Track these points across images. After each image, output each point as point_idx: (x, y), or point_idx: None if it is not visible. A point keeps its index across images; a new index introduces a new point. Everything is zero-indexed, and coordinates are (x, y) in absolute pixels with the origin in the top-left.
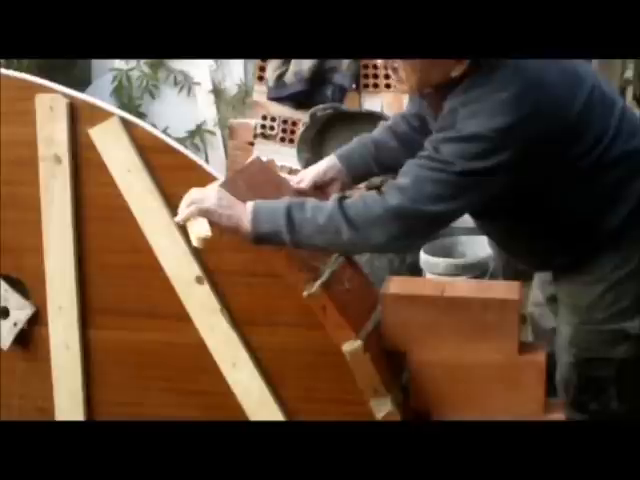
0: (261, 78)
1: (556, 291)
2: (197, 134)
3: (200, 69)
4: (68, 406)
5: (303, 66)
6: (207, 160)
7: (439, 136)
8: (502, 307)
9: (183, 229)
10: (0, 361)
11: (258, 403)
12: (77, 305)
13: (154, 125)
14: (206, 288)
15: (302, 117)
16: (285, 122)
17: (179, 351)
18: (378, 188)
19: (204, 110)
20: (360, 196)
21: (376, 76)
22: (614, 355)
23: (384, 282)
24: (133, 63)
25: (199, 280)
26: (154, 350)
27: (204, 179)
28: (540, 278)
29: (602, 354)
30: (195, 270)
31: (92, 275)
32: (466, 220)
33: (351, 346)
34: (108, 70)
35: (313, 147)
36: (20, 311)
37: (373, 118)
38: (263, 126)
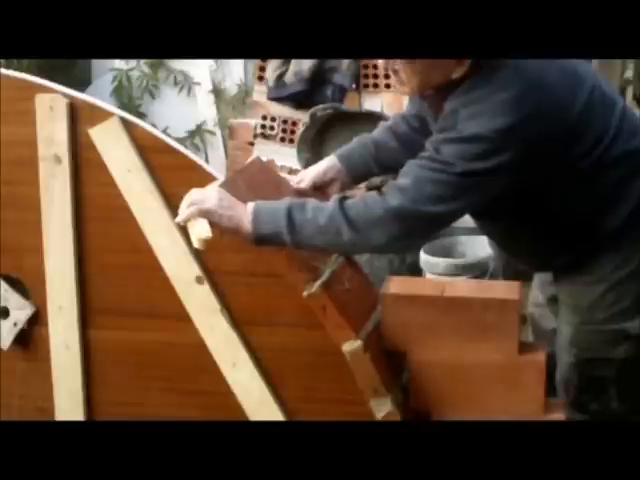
0: (261, 78)
1: (557, 291)
2: (197, 134)
3: (200, 69)
4: (68, 406)
5: (303, 66)
6: (207, 160)
7: (440, 137)
8: (502, 307)
9: (183, 229)
10: (0, 361)
11: (258, 403)
12: (77, 305)
13: (154, 125)
14: (206, 288)
15: (302, 117)
16: (285, 122)
17: (179, 351)
18: (378, 188)
19: (204, 110)
20: (361, 197)
21: (376, 76)
22: (614, 355)
23: (384, 282)
24: (133, 63)
25: (199, 280)
26: (154, 350)
27: (204, 179)
28: (540, 279)
29: (603, 354)
30: (195, 270)
31: (92, 275)
32: (466, 220)
33: (351, 346)
34: (108, 70)
35: (313, 147)
36: (20, 311)
37: (373, 118)
38: (263, 126)
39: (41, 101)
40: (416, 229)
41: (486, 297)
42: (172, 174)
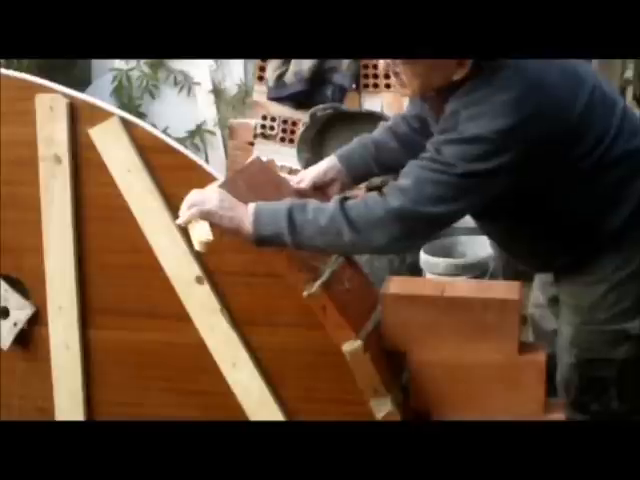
0: (261, 78)
1: (557, 292)
2: (197, 134)
3: (200, 69)
4: (68, 406)
5: (303, 66)
6: (207, 160)
7: (441, 138)
8: (502, 307)
9: (183, 229)
10: (0, 361)
11: (258, 403)
12: (77, 305)
13: (154, 125)
14: (206, 288)
15: (302, 117)
16: (285, 122)
17: (179, 351)
18: (378, 189)
19: (204, 110)
20: (361, 198)
21: (376, 76)
22: (615, 355)
23: (384, 282)
24: (133, 63)
25: (199, 280)
26: (154, 350)
27: (204, 179)
28: (541, 279)
29: (603, 354)
30: (195, 270)
31: (92, 275)
32: (466, 220)
33: (351, 346)
34: (108, 70)
35: (313, 147)
36: (20, 311)
37: (373, 118)
38: (263, 126)
39: (41, 101)
40: (417, 230)
41: (486, 297)
42: (172, 174)
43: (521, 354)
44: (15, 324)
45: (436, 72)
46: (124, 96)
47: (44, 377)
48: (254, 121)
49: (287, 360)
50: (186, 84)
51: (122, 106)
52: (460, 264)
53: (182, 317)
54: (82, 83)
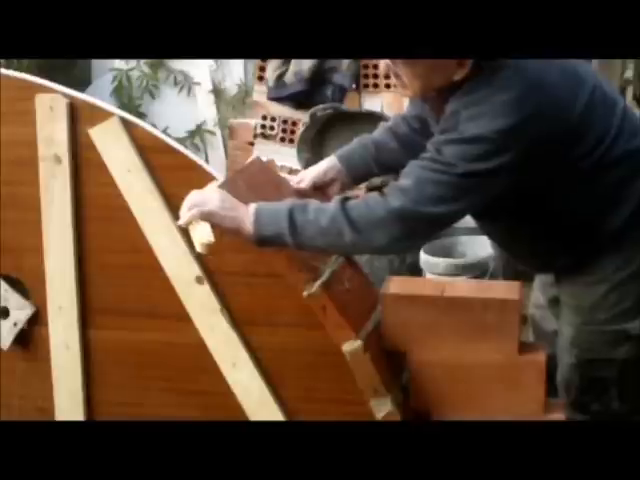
0: (261, 78)
1: (558, 293)
2: (197, 134)
3: (200, 69)
4: (68, 406)
5: (303, 66)
6: (207, 160)
7: (441, 138)
8: (502, 307)
9: (183, 229)
10: (0, 361)
11: (258, 403)
12: (77, 305)
13: (154, 125)
14: (206, 288)
15: (302, 117)
16: (285, 122)
17: (179, 351)
18: (378, 189)
19: (204, 110)
20: (362, 198)
21: (376, 76)
22: (616, 356)
23: (384, 282)
24: (133, 63)
25: (199, 280)
26: (154, 350)
27: (204, 179)
28: (541, 280)
29: (604, 355)
30: (195, 270)
31: (92, 275)
32: (467, 220)
33: (351, 346)
34: (108, 70)
35: (313, 147)
36: (20, 311)
37: (373, 118)
38: (263, 126)
39: (41, 101)
40: (417, 230)
41: (486, 297)
42: (172, 174)
43: (521, 354)
44: (15, 324)
45: (436, 73)
46: (124, 96)
47: (44, 377)
48: (254, 121)
49: (287, 360)
50: (186, 84)
51: (122, 106)
52: (460, 264)
53: (182, 317)
54: (82, 83)
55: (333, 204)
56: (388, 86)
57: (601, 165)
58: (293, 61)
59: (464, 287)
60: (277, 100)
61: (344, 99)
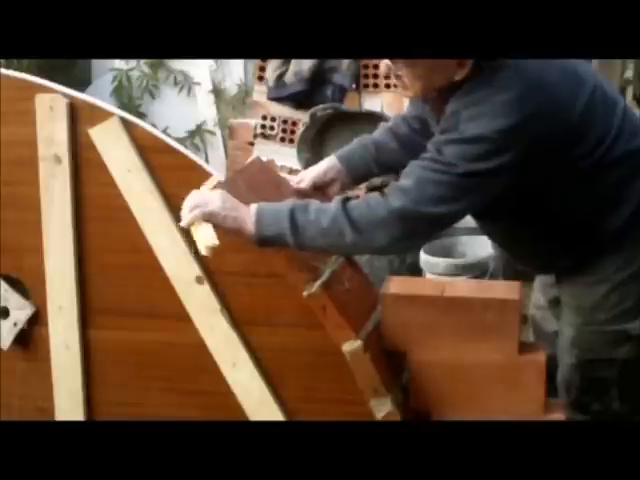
0: (261, 78)
1: (559, 293)
2: (197, 134)
3: (200, 69)
4: (68, 406)
5: (303, 66)
6: (207, 160)
7: (442, 138)
8: (502, 307)
9: (184, 229)
10: (0, 361)
11: (258, 403)
12: (77, 305)
13: (154, 125)
14: (206, 288)
15: (302, 117)
16: (285, 122)
17: (179, 351)
18: (378, 189)
19: (204, 110)
20: (363, 198)
21: (376, 76)
22: (616, 356)
23: (384, 282)
24: (133, 63)
25: (199, 280)
26: (154, 350)
27: (204, 179)
28: (542, 281)
29: (604, 355)
30: (195, 270)
31: (92, 275)
32: (467, 220)
33: (351, 346)
34: (108, 70)
35: (313, 147)
36: (20, 311)
37: (373, 118)
38: (263, 126)
39: (41, 101)
40: (418, 230)
41: (486, 297)
42: (172, 174)
43: (521, 354)
44: (15, 324)
45: (437, 73)
46: (124, 96)
47: (44, 377)
48: (254, 121)
49: (287, 360)
50: (186, 84)
51: (122, 106)
52: (460, 264)
53: (182, 317)
54: (82, 83)
55: (334, 204)
56: (388, 86)
57: (601, 165)
58: (293, 61)
59: (464, 287)
60: (277, 100)
61: (344, 99)
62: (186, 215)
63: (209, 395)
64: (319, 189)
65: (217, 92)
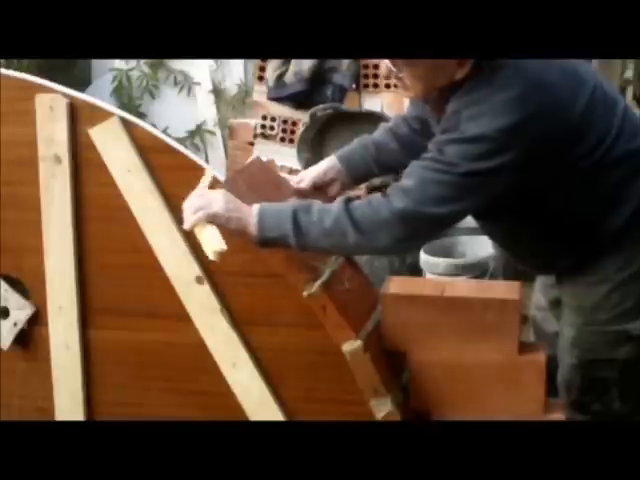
0: (261, 78)
1: (559, 294)
2: (197, 134)
3: (200, 69)
4: (68, 406)
5: (303, 66)
6: (207, 160)
7: (443, 138)
8: (502, 307)
9: (183, 229)
10: (0, 361)
11: (258, 403)
12: (77, 305)
13: (154, 125)
14: (206, 288)
15: (302, 117)
16: (285, 122)
17: (179, 351)
18: (379, 189)
19: (204, 110)
20: (366, 198)
21: (376, 76)
22: (617, 356)
23: (384, 282)
24: (133, 63)
25: (199, 280)
26: (154, 350)
27: None
28: (542, 282)
29: (605, 355)
30: (195, 270)
31: (92, 275)
32: (467, 220)
33: (351, 346)
34: (108, 70)
35: (313, 147)
36: (20, 311)
37: (373, 118)
38: (263, 126)
39: (41, 101)
40: (420, 231)
41: (486, 297)
42: (172, 174)
43: (521, 354)
44: (15, 324)
45: (437, 73)
46: (124, 96)
47: (44, 377)
48: (254, 121)
49: (287, 360)
50: (186, 84)
51: (122, 106)
52: (460, 264)
53: (182, 317)
54: (82, 83)
55: (336, 205)
56: (388, 86)
57: (602, 165)
58: (293, 61)
59: (464, 287)
60: (277, 100)
61: (344, 99)
62: (189, 217)
63: (209, 395)
64: (319, 189)
65: (217, 92)
